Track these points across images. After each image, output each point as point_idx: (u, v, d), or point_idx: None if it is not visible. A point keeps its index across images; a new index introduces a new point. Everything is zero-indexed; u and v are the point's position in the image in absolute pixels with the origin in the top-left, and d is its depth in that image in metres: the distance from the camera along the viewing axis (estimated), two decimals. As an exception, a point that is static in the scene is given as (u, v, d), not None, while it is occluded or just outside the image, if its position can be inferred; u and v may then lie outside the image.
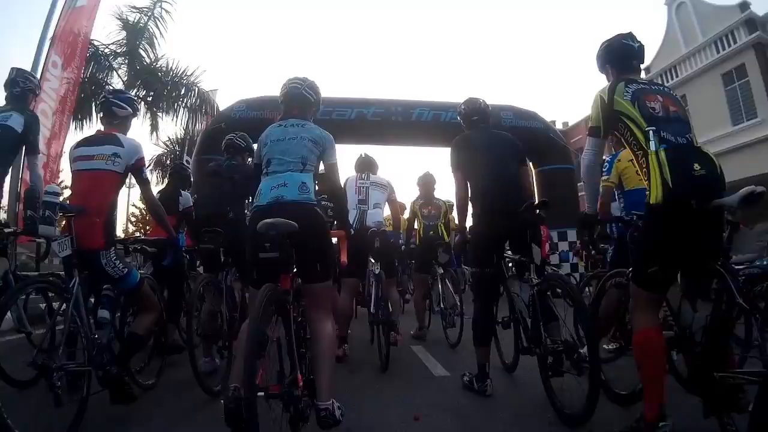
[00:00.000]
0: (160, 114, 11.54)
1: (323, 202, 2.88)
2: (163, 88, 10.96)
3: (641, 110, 1.91)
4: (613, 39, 2.19)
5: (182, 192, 4.13)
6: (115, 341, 2.61)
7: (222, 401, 1.80)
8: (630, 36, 2.17)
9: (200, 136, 11.33)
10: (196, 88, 11.47)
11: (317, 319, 2.03)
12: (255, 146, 3.35)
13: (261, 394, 1.63)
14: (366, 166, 4.12)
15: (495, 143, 2.92)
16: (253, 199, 3.04)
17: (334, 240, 2.52)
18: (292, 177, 2.09)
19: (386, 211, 4.36)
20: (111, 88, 9.98)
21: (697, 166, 1.76)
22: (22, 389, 2.51)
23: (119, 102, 2.58)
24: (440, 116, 10.79)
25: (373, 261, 3.80)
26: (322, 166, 2.29)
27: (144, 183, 2.59)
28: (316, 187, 2.23)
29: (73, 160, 2.44)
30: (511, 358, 3.11)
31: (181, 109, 11.36)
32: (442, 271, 4.65)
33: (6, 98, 3.14)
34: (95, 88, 10.21)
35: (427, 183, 5.06)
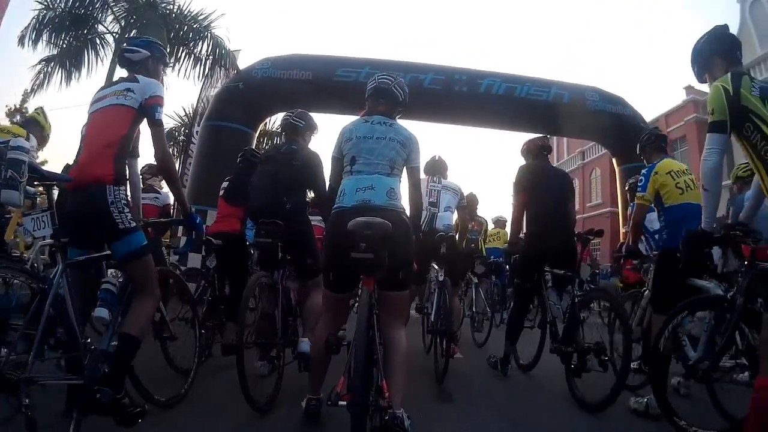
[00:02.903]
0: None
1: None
2: (161, 26, 8.11)
3: None
4: (718, 29, 2.08)
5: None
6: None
7: (305, 411, 2.03)
8: (727, 28, 2.08)
9: (213, 98, 9.61)
10: (209, 33, 8.59)
11: (394, 328, 2.00)
12: (312, 123, 3.11)
13: (343, 403, 1.63)
14: (438, 169, 4.10)
15: (556, 177, 3.48)
16: (314, 191, 3.06)
17: None
18: (380, 181, 2.04)
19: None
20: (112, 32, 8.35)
21: None
22: None
23: (130, 47, 2.26)
24: (515, 90, 8.88)
25: (436, 267, 3.72)
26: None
27: (155, 124, 2.06)
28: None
29: (89, 108, 2.12)
30: (530, 359, 3.60)
31: (187, 61, 8.58)
32: (477, 281, 5.24)
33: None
34: (81, 31, 8.17)
35: (472, 202, 5.52)
